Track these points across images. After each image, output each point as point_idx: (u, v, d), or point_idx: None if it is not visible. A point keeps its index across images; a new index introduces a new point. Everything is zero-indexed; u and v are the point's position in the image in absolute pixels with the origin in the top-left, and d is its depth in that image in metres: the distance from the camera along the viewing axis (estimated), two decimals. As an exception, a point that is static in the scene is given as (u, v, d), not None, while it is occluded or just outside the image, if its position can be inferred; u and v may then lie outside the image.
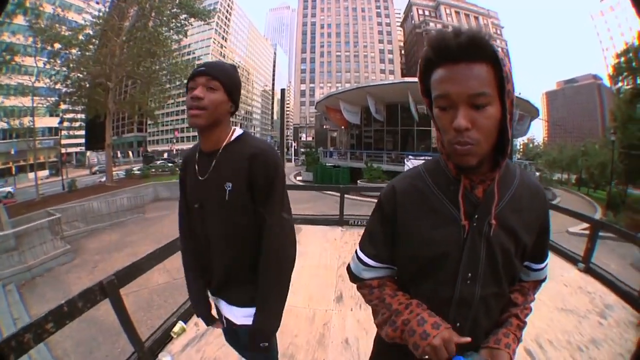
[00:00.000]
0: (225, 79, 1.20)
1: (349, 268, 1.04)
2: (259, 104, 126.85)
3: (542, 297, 2.93)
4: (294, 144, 65.73)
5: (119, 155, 60.61)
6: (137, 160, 55.05)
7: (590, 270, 4.10)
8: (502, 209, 0.83)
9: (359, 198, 17.26)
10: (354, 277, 1.02)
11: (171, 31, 23.51)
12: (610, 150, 26.53)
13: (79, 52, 21.27)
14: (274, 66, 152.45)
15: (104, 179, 24.96)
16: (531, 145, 75.95)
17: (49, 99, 23.78)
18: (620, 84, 27.02)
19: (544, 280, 1.03)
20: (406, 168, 23.05)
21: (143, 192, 18.01)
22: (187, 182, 1.40)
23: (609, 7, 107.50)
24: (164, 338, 2.53)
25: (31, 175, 28.95)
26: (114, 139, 26.50)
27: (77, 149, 56.14)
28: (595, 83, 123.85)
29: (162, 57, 23.57)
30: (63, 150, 41.63)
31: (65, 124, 30.10)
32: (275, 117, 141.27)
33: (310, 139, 70.54)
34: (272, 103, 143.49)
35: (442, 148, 0.82)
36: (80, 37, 21.04)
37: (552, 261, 1.30)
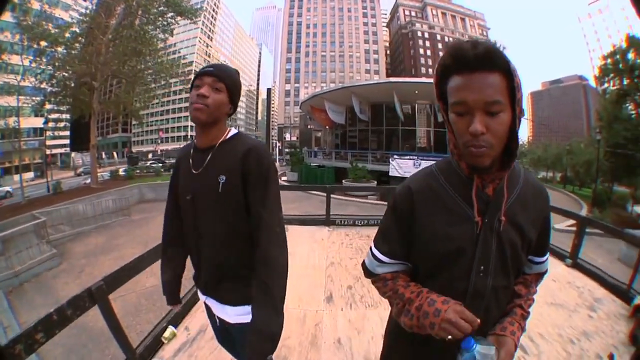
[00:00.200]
0: (230, 82, 1.27)
1: (363, 264, 1.09)
2: (243, 104, 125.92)
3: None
4: (278, 144, 65.68)
5: (103, 156, 59.81)
6: (121, 161, 54.17)
7: (577, 265, 4.19)
8: (510, 206, 0.89)
9: (344, 198, 17.35)
10: (368, 273, 1.08)
11: (157, 30, 23.25)
12: (595, 149, 27.16)
13: (65, 51, 20.89)
14: (259, 66, 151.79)
15: (88, 180, 24.54)
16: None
17: (34, 98, 23.33)
18: (606, 85, 27.85)
19: (545, 272, 1.10)
20: (391, 167, 23.70)
21: (128, 193, 17.78)
22: (179, 177, 1.41)
23: (598, 9, 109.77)
24: (155, 344, 2.47)
25: (16, 177, 28.34)
26: (98, 139, 26.12)
27: (62, 150, 55.06)
28: (580, 84, 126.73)
29: (148, 56, 23.28)
30: (48, 152, 40.85)
31: (50, 124, 29.57)
32: (259, 117, 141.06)
33: (294, 139, 70.71)
34: (257, 103, 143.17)
35: (455, 149, 0.89)
36: (67, 34, 20.66)
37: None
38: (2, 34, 21.71)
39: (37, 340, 1.50)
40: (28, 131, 37.22)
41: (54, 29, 20.05)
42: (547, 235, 1.02)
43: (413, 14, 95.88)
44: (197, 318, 2.89)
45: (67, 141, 51.01)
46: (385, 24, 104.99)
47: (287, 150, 51.93)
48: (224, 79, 1.25)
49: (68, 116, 27.00)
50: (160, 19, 22.90)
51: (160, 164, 38.35)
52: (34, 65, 21.52)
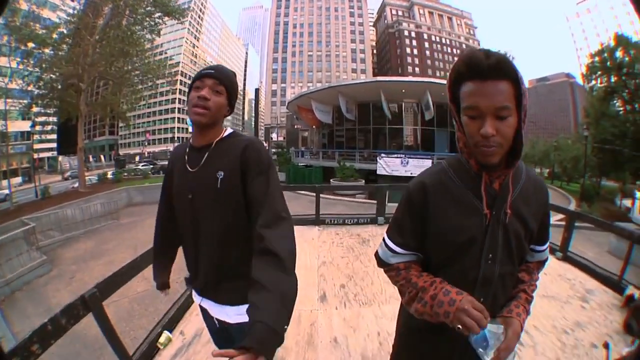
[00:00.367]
0: (230, 85, 1.29)
1: (377, 254, 1.16)
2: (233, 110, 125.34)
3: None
4: (265, 145, 64.97)
5: (90, 159, 59.01)
6: (109, 164, 53.50)
7: (568, 258, 4.27)
8: (514, 200, 0.98)
9: (332, 197, 17.38)
10: (381, 263, 1.15)
11: (145, 30, 23.02)
12: (583, 145, 27.69)
13: (52, 52, 20.56)
14: (246, 66, 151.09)
15: (76, 184, 24.18)
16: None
17: (21, 101, 22.94)
18: (593, 83, 28.34)
19: (545, 260, 1.19)
20: (379, 166, 23.87)
21: (116, 197, 17.51)
22: (174, 176, 1.40)
23: (586, 9, 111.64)
24: (151, 350, 2.44)
25: (4, 182, 27.77)
26: (85, 142, 25.73)
27: (49, 154, 54.18)
28: (567, 81, 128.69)
29: (135, 57, 23.03)
30: (35, 156, 40.25)
31: (38, 127, 29.09)
32: (246, 117, 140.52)
33: (281, 139, 70.53)
34: (243, 103, 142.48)
35: (464, 147, 0.97)
36: (54, 35, 20.35)
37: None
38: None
39: (33, 352, 1.47)
40: (15, 135, 36.61)
41: (41, 29, 19.74)
42: (547, 226, 1.11)
43: (400, 13, 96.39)
44: (192, 322, 2.87)
45: (54, 144, 50.20)
46: (372, 24, 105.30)
47: (274, 150, 52.00)
48: (225, 81, 1.26)
49: (55, 119, 26.62)
50: (147, 19, 22.68)
51: (151, 166, 38.12)
52: (21, 67, 21.15)
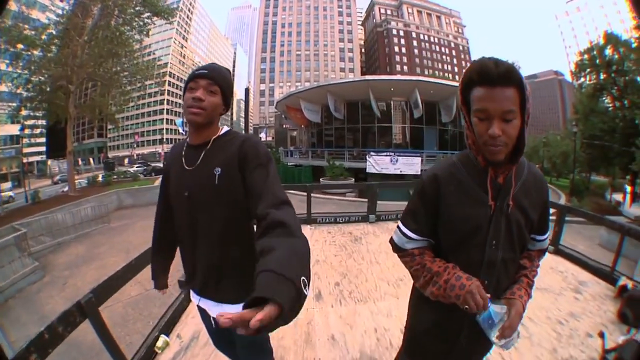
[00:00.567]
0: (224, 84, 1.28)
1: (392, 240, 1.26)
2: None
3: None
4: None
5: (80, 162, 58.31)
6: (98, 167, 53.03)
7: (559, 251, 4.34)
8: (516, 192, 1.08)
9: (322, 196, 17.36)
10: (397, 248, 1.24)
11: (133, 30, 22.74)
12: (572, 141, 28.06)
13: (41, 53, 20.24)
14: (234, 66, 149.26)
15: (66, 188, 23.89)
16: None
17: (10, 104, 22.55)
18: (582, 80, 28.84)
19: (546, 249, 1.29)
20: (368, 164, 24.00)
21: (106, 200, 17.16)
22: (171, 175, 1.40)
23: (576, 7, 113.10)
24: (149, 355, 2.42)
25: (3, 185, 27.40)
26: (74, 145, 25.31)
27: (38, 158, 53.42)
28: (556, 78, 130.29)
29: (124, 58, 22.76)
30: (24, 160, 39.67)
31: (27, 131, 28.69)
32: (234, 117, 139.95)
33: (270, 139, 70.59)
34: (232, 103, 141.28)
35: (473, 145, 1.06)
36: (44, 36, 20.03)
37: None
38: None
39: None
40: (4, 139, 36.04)
41: (30, 30, 19.45)
42: (546, 216, 1.20)
43: (389, 12, 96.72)
44: (188, 325, 2.85)
45: (44, 148, 49.53)
46: (360, 23, 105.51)
47: (263, 150, 51.95)
48: (219, 81, 1.26)
49: (44, 122, 26.28)
50: (136, 19, 22.42)
51: (144, 167, 37.93)
52: (10, 69, 20.83)
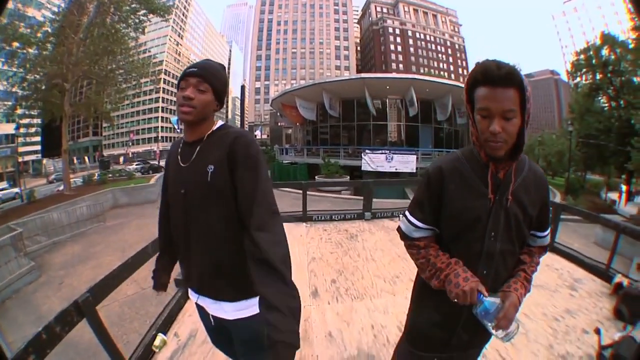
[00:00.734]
0: (215, 81, 1.27)
1: (399, 229, 1.33)
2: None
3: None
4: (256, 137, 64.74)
5: (75, 161, 58.02)
6: (93, 165, 52.78)
7: (555, 249, 4.35)
8: (516, 188, 1.14)
9: (317, 194, 17.33)
10: (404, 236, 1.31)
11: (129, 28, 22.57)
12: (567, 140, 28.18)
13: (37, 51, 20.09)
14: (229, 64, 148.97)
15: (62, 187, 23.75)
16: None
17: (5, 103, 22.37)
18: (578, 79, 29.01)
19: (547, 246, 1.34)
20: (363, 162, 24.07)
21: (102, 199, 17.05)
22: (169, 173, 1.42)
23: (573, 8, 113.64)
24: (147, 354, 2.40)
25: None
26: (70, 144, 25.15)
27: (33, 157, 53.09)
28: (552, 78, 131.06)
29: (119, 56, 22.56)
30: (20, 159, 39.38)
31: (22, 130, 28.48)
32: (229, 115, 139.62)
33: (265, 136, 70.62)
34: (227, 101, 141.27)
35: (476, 141, 1.13)
36: (39, 34, 19.87)
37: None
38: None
39: None
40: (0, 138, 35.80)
41: (26, 28, 19.30)
42: (546, 213, 1.26)
43: (385, 10, 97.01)
44: (185, 323, 2.84)
45: (39, 147, 49.29)
46: (356, 21, 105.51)
47: (258, 148, 51.87)
48: (209, 79, 1.26)
49: (39, 121, 26.11)
50: (132, 16, 22.27)
51: (142, 165, 38.01)
52: (5, 67, 20.67)
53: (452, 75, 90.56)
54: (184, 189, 1.29)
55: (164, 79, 78.23)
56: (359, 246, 4.82)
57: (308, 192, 6.24)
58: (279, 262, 1.11)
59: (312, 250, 4.61)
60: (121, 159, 60.78)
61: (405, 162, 23.90)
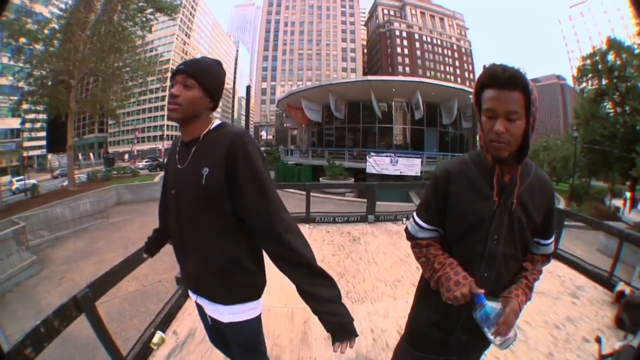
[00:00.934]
0: (201, 76, 1.23)
1: (406, 229, 1.37)
2: (220, 102, 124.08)
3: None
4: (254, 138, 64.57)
5: (80, 157, 58.30)
6: (98, 162, 53.04)
7: (557, 256, 4.31)
8: (521, 192, 1.15)
9: (321, 195, 17.29)
10: (410, 236, 1.35)
11: (136, 26, 22.70)
12: (572, 146, 28.02)
13: (43, 48, 20.21)
14: (236, 64, 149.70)
15: (66, 182, 23.89)
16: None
17: (11, 97, 22.52)
18: (584, 85, 28.77)
19: (550, 255, 1.36)
20: (368, 165, 24.02)
21: (106, 195, 17.17)
22: (168, 173, 1.41)
23: (579, 12, 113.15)
24: (145, 350, 2.41)
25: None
26: (75, 140, 25.24)
27: (39, 152, 53.35)
28: (558, 83, 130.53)
29: (126, 54, 22.71)
30: (25, 154, 39.58)
31: (27, 125, 28.66)
32: (235, 115, 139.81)
33: (270, 137, 70.69)
34: (233, 101, 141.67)
35: (484, 145, 1.16)
36: (46, 31, 20.00)
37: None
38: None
39: (26, 355, 1.44)
40: (5, 132, 36.00)
41: (32, 25, 19.42)
42: (550, 220, 1.25)
43: (392, 13, 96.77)
44: (184, 321, 2.84)
45: (44, 142, 49.49)
46: (363, 23, 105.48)
47: (263, 148, 52.01)
48: (194, 74, 1.22)
49: (45, 116, 26.27)
50: (139, 15, 22.39)
51: (151, 162, 38.51)
52: (12, 62, 20.79)
53: (459, 79, 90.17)
54: (175, 190, 1.28)
55: (170, 77, 78.39)
56: (361, 249, 4.81)
57: (312, 194, 6.23)
58: (314, 261, 1.22)
59: (314, 252, 4.57)
60: (126, 156, 61.00)
61: (410, 166, 23.84)
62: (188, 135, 1.29)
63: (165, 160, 1.40)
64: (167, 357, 2.43)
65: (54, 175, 41.27)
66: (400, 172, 23.66)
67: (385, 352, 2.45)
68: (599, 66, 26.39)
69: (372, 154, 24.84)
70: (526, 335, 2.64)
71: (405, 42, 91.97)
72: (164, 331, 2.65)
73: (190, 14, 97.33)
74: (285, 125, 50.86)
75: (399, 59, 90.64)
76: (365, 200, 6.73)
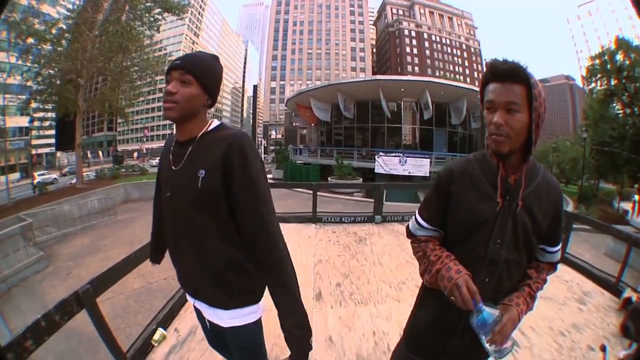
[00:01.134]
0: (199, 72, 1.17)
1: (407, 227, 1.36)
2: (229, 101, 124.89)
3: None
4: (263, 142, 65.05)
5: (89, 155, 58.78)
6: (107, 160, 53.50)
7: (565, 260, 4.24)
8: (527, 195, 1.11)
9: (329, 195, 17.30)
10: (409, 234, 1.34)
11: (144, 26, 22.85)
12: (581, 147, 27.69)
13: (51, 47, 20.42)
14: (245, 63, 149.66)
15: (74, 180, 24.16)
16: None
17: (19, 96, 22.80)
18: (593, 85, 28.44)
19: (557, 263, 1.31)
20: (377, 164, 24.00)
21: (114, 193, 17.35)
22: (162, 173, 1.37)
23: (587, 12, 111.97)
24: (145, 347, 2.42)
25: (2, 178, 27.75)
26: (84, 138, 25.55)
27: (47, 150, 53.96)
28: (567, 83, 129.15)
29: (134, 53, 22.91)
30: (33, 151, 40.03)
31: (36, 123, 29.02)
32: (244, 114, 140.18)
33: (279, 136, 70.92)
34: (242, 100, 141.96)
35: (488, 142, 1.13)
36: (53, 31, 20.20)
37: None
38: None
39: (26, 348, 1.45)
40: (13, 130, 36.41)
41: (40, 25, 19.61)
42: (558, 226, 1.21)
43: (401, 12, 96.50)
44: (186, 319, 2.84)
45: (53, 140, 50.03)
46: (372, 22, 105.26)
47: (272, 147, 51.91)
48: (192, 69, 1.15)
49: (53, 115, 26.60)
50: (147, 14, 22.51)
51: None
52: (20, 62, 21.04)
53: (468, 79, 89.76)
54: (170, 192, 1.24)
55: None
56: (367, 250, 4.77)
57: (320, 194, 6.21)
58: (293, 281, 1.22)
59: (319, 252, 4.58)
60: (135, 154, 61.51)
61: (419, 166, 23.76)
62: (184, 135, 1.23)
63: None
64: (168, 354, 2.43)
65: (63, 172, 41.77)
66: (409, 173, 23.60)
67: (386, 356, 2.42)
68: (608, 66, 26.09)
69: (380, 153, 24.80)
70: (531, 342, 2.59)
71: (414, 42, 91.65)
72: (165, 328, 2.66)
73: (199, 14, 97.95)
74: (294, 124, 51.02)
75: (408, 58, 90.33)
76: (373, 200, 6.69)
